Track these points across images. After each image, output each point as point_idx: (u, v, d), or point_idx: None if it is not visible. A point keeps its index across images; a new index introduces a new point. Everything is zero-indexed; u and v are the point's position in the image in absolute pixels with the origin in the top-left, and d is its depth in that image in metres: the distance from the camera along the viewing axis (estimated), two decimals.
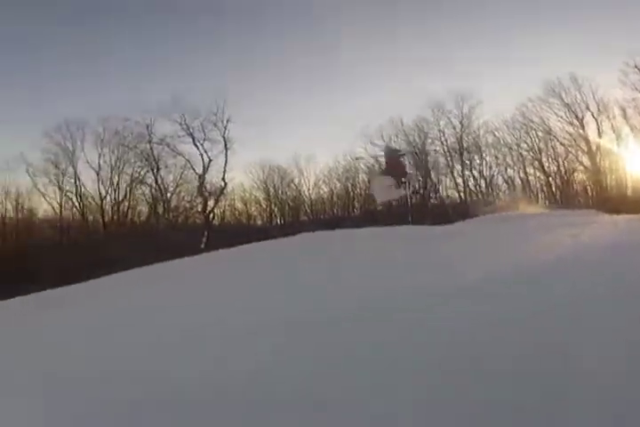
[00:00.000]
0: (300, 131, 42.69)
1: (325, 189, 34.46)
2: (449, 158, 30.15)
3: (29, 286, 15.23)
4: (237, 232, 26.88)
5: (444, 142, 30.13)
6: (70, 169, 29.68)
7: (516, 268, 6.03)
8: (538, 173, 29.72)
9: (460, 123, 29.74)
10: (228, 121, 29.09)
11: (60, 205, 30.10)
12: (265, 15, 39.21)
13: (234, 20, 40.89)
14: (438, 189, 30.43)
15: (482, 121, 29.38)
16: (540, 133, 28.60)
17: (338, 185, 33.82)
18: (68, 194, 29.83)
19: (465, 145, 29.65)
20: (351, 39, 35.74)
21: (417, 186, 28.04)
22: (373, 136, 30.00)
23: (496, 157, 29.89)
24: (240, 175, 37.36)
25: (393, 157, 23.83)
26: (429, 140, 30.28)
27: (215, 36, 43.31)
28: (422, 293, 5.13)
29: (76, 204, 30.23)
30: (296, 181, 33.97)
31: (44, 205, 30.63)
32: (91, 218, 30.66)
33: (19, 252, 25.71)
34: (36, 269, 23.30)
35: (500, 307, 4.30)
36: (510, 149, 29.35)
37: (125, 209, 30.18)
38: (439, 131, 30.17)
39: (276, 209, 34.82)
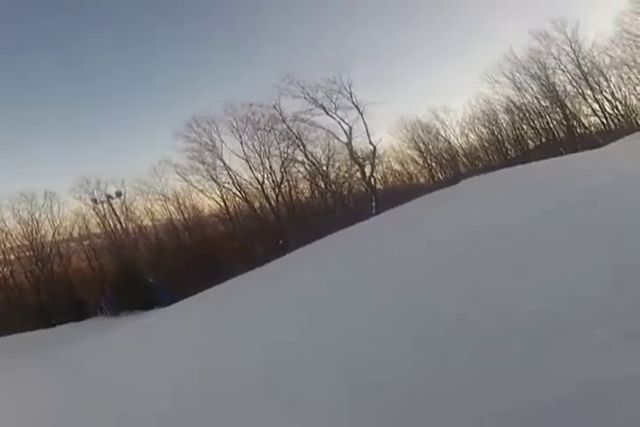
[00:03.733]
0: (424, 83, 42.94)
1: (473, 137, 33.29)
2: (575, 85, 28.53)
3: (219, 277, 15.88)
4: (403, 193, 24.32)
5: (565, 70, 28.60)
6: (218, 162, 29.07)
7: None
8: None
9: (571, 48, 28.11)
10: (350, 86, 28.59)
11: (222, 198, 29.52)
12: None
13: None
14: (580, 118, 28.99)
15: (591, 43, 27.66)
16: None
17: (483, 130, 32.67)
18: (225, 185, 29.17)
19: (586, 70, 27.78)
20: None
21: None
22: (495, 74, 30.21)
23: (620, 77, 27.79)
24: (386, 136, 38.66)
25: None
26: (550, 71, 29.08)
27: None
28: None
29: (237, 193, 29.46)
30: (442, 133, 32.92)
31: (207, 201, 30.48)
32: (257, 204, 29.92)
33: (199, 248, 26.53)
34: (220, 261, 24.88)
35: None
36: (629, 66, 26.84)
37: (287, 190, 29.44)
38: (555, 59, 28.88)
39: (434, 164, 33.32)
